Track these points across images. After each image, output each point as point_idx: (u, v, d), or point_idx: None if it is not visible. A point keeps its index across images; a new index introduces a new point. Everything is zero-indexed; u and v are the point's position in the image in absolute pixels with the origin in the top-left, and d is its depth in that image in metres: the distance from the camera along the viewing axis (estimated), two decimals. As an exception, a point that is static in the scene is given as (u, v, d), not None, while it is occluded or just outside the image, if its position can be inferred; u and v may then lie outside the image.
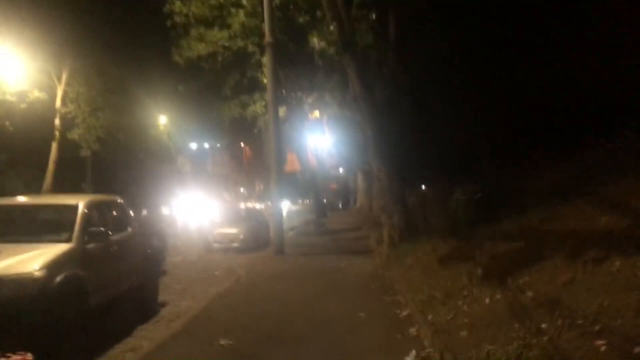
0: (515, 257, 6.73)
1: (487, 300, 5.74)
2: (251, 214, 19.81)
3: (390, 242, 11.67)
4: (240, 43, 19.52)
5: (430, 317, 6.09)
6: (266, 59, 14.03)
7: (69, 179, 51.61)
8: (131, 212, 8.35)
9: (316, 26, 11.77)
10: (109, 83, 41.80)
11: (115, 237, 7.25)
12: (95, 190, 54.85)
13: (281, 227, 14.65)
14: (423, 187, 20.82)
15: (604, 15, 10.49)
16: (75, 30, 37.56)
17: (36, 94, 38.75)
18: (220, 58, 20.40)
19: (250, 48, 19.39)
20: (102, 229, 6.63)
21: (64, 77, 41.93)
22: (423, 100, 12.24)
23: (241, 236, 17.38)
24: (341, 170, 60.77)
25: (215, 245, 17.33)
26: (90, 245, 6.45)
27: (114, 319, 7.82)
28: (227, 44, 19.55)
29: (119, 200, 8.18)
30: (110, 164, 54.91)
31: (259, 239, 17.52)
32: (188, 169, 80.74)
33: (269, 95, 14.08)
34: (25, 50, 35.44)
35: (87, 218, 6.63)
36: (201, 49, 19.59)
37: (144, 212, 41.13)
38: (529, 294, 5.36)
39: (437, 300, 6.55)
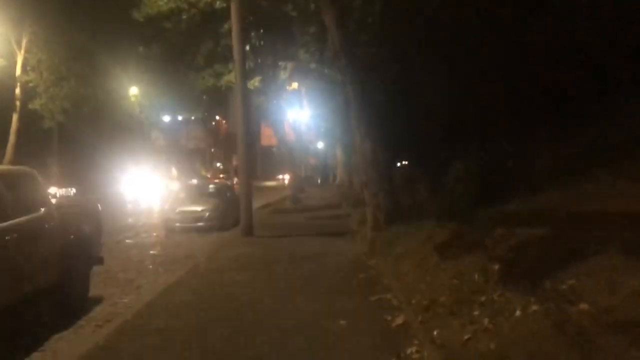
0: (545, 250, 5.09)
1: (518, 313, 4.10)
2: (219, 189, 17.91)
3: (375, 224, 10.02)
4: (207, -1, 17.47)
5: (436, 332, 4.45)
6: (232, 11, 12.07)
7: (34, 152, 48.87)
8: (49, 189, 6.48)
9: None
10: (73, 50, 38.96)
11: (14, 221, 5.41)
12: (62, 165, 52.42)
13: (250, 205, 12.88)
14: (404, 162, 19.18)
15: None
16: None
17: (-6, 60, 36.03)
18: (185, 16, 18.31)
19: (219, 4, 17.31)
20: (-14, 210, 4.80)
21: (24, 42, 39.06)
22: (413, 59, 10.46)
23: (206, 214, 15.57)
24: (320, 144, 59.05)
25: (177, 225, 15.49)
26: (-33, 234, 4.63)
27: (27, 323, 6.06)
28: (192, 0, 17.47)
29: (28, 173, 6.30)
30: (79, 137, 52.30)
31: (227, 217, 15.73)
32: (162, 143, 78.09)
33: (235, 53, 12.15)
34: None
35: (-36, 196, 4.78)
36: (162, 4, 17.45)
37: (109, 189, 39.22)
38: (583, 306, 3.72)
39: (443, 306, 4.90)
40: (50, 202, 6.39)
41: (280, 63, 29.33)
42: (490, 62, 10.53)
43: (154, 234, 15.27)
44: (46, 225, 6.11)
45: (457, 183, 8.79)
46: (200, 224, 15.49)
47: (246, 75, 12.79)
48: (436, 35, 10.79)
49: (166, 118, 69.05)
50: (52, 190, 42.11)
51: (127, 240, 14.19)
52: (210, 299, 6.81)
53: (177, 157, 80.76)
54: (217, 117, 78.47)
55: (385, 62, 9.74)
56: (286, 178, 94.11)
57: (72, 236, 6.61)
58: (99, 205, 7.88)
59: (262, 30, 26.73)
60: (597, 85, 9.62)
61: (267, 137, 51.34)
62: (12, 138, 40.44)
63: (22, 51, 38.96)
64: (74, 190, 48.20)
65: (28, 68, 39.28)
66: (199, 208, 15.69)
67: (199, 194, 17.64)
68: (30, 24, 37.21)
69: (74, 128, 48.24)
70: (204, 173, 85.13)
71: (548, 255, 4.85)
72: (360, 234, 11.52)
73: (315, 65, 11.65)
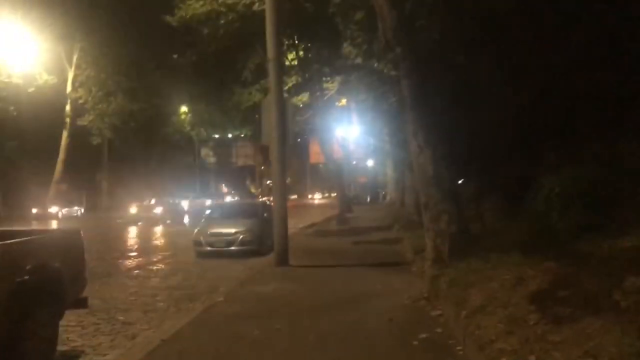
0: None
1: None
2: (256, 208, 16.03)
3: (437, 257, 7.86)
4: (245, 0, 15.94)
5: None
6: (266, 3, 10.32)
7: (84, 169, 49.00)
8: None
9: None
10: (121, 65, 38.82)
11: None
12: (110, 182, 52.21)
13: (285, 229, 10.95)
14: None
15: None
16: (87, 5, 34.56)
17: (45, 77, 36.14)
18: (222, 21, 16.85)
19: (258, 6, 15.73)
20: None
21: (74, 59, 39.17)
22: (482, 49, 8.33)
23: (240, 237, 13.80)
24: (370, 162, 57.10)
25: (208, 248, 13.78)
26: None
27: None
28: (229, 1, 15.98)
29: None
30: (129, 154, 52.31)
31: (263, 240, 13.86)
32: (212, 161, 78.04)
33: (269, 51, 10.37)
34: (34, 28, 32.59)
35: None
36: (198, 7, 16.04)
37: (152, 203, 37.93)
38: None
39: None
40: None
41: (326, 78, 27.84)
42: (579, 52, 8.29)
43: (182, 259, 13.62)
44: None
45: (549, 205, 6.57)
46: (234, 248, 13.76)
47: (283, 79, 11.02)
48: (512, 22, 8.67)
49: (216, 135, 68.87)
50: (53, 209, 39.02)
51: (149, 267, 12.60)
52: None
53: (228, 175, 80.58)
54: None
55: (449, 52, 7.71)
56: (316, 197, 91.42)
57: (26, 276, 4.86)
58: (81, 232, 6.13)
59: (308, 42, 25.28)
60: None
61: (316, 155, 49.86)
62: (61, 154, 40.68)
63: (73, 67, 39.17)
64: (80, 209, 45.43)
65: (76, 85, 39.44)
66: (232, 230, 13.95)
67: (233, 213, 15.89)
68: (80, 39, 37.34)
69: (124, 145, 48.32)
70: (253, 191, 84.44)
71: None
72: (416, 267, 9.38)
73: (363, 60, 9.71)
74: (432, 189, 8.18)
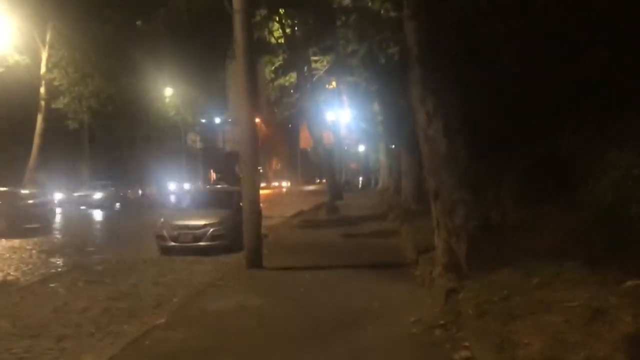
0: None
1: None
2: (231, 197, 13.80)
3: (452, 263, 5.89)
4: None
5: None
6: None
7: (64, 154, 46.56)
8: None
9: None
10: (97, 45, 36.36)
11: None
12: (92, 169, 49.84)
13: (258, 223, 8.90)
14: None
15: None
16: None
17: (16, 58, 33.70)
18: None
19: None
20: None
21: (48, 38, 36.65)
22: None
23: (210, 231, 11.71)
24: (361, 148, 55.13)
25: (172, 244, 11.70)
26: None
27: None
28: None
29: None
30: (111, 139, 49.87)
31: (237, 234, 11.66)
32: (199, 146, 75.79)
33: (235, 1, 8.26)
34: (3, 5, 30.21)
35: None
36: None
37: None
38: None
39: None
40: None
41: (315, 58, 26.21)
42: None
43: (141, 258, 11.51)
44: None
45: (621, 192, 4.58)
46: (202, 243, 11.68)
47: (252, 35, 8.83)
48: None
49: (203, 120, 66.53)
50: None
51: (98, 267, 10.49)
52: None
53: (216, 160, 78.21)
54: (257, 119, 75.33)
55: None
56: (284, 185, 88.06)
57: None
58: None
59: (294, 15, 23.39)
60: None
61: (306, 139, 47.90)
62: (36, 140, 38.13)
63: (46, 47, 36.63)
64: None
65: (50, 65, 36.95)
66: (200, 222, 11.85)
67: (203, 203, 13.76)
68: (52, 17, 34.81)
69: (105, 130, 45.92)
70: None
71: None
72: (421, 271, 7.39)
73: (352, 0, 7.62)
74: (445, 172, 6.17)
